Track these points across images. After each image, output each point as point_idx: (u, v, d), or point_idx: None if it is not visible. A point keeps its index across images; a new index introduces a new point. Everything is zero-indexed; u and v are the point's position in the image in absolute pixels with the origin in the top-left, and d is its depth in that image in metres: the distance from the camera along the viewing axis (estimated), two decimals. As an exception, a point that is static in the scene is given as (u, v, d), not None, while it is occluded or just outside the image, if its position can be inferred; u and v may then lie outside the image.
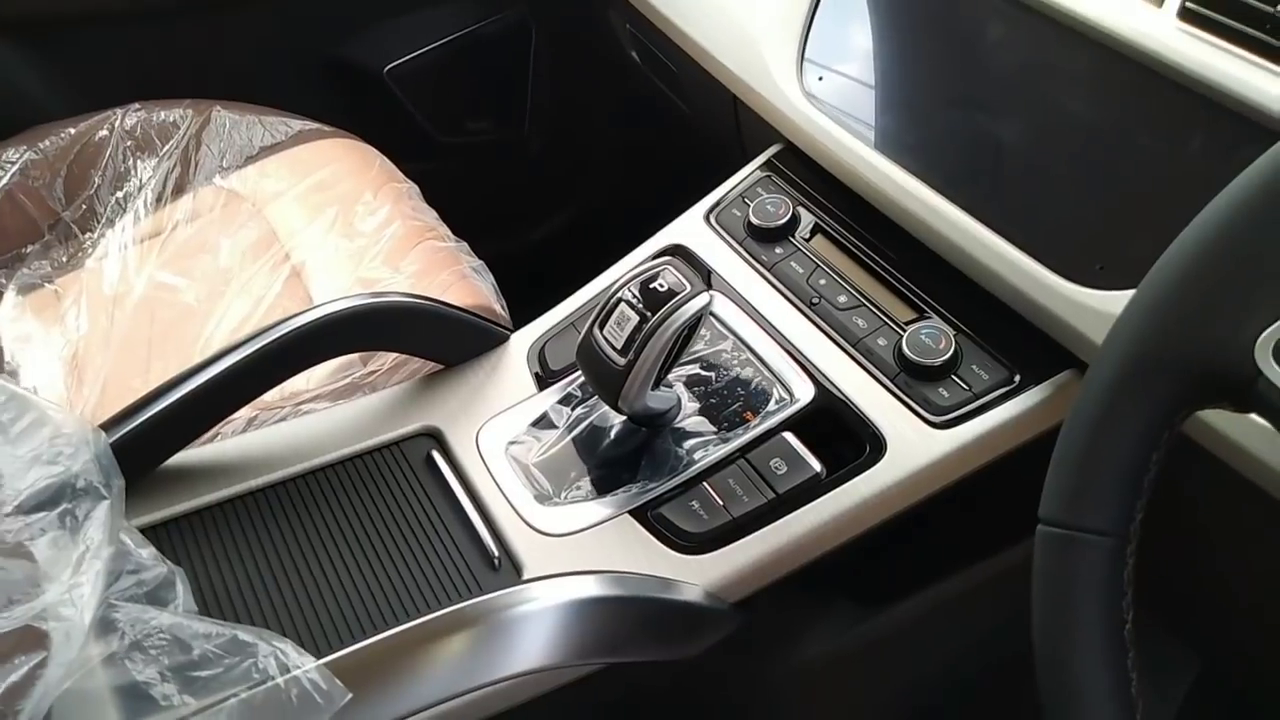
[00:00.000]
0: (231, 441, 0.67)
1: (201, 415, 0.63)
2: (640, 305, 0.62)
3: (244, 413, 0.74)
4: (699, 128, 1.06)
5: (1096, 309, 0.60)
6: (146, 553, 0.51)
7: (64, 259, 1.02)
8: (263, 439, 0.67)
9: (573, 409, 0.71)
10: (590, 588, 0.57)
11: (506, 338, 0.76)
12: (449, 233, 1.04)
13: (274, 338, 0.65)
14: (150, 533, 0.60)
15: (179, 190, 1.06)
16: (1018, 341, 0.66)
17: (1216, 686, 0.92)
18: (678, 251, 0.79)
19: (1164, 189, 0.62)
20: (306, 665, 0.46)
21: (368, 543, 0.62)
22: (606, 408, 0.70)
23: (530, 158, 1.52)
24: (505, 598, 0.56)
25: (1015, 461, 0.66)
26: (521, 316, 0.95)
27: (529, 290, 1.07)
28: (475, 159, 1.49)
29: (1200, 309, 0.40)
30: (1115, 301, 0.60)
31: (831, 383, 0.68)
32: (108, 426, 0.58)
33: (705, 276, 0.76)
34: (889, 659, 0.81)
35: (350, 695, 0.46)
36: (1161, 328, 0.40)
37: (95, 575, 0.45)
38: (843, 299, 0.72)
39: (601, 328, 0.63)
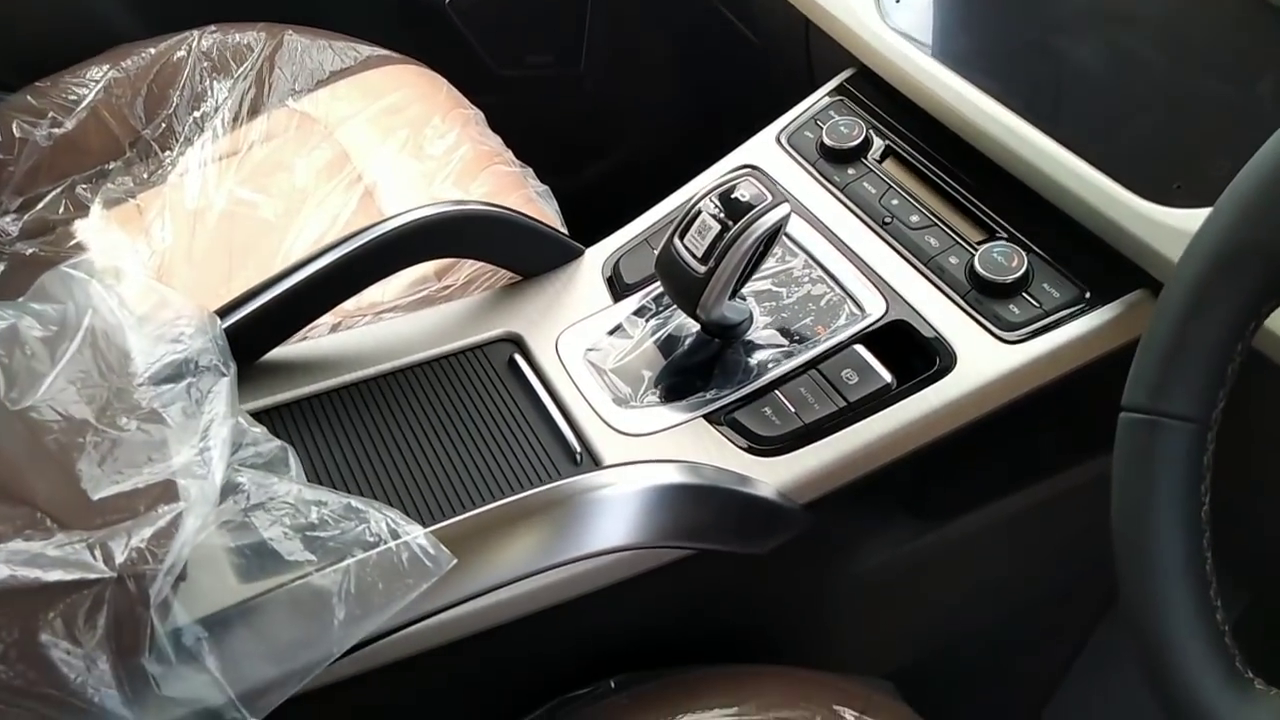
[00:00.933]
0: (324, 339, 0.71)
1: (299, 311, 0.66)
2: (721, 215, 0.64)
3: (326, 318, 0.78)
4: (766, 56, 1.06)
5: (1175, 227, 0.61)
6: (259, 430, 0.54)
7: (145, 175, 1.05)
8: (352, 339, 0.71)
9: (647, 320, 0.73)
10: (669, 474, 0.60)
11: (582, 252, 0.78)
12: (514, 158, 1.06)
13: (365, 240, 0.67)
14: (255, 418, 0.63)
15: (254, 111, 1.08)
16: (1089, 261, 0.67)
17: (1264, 619, 0.94)
18: (750, 171, 0.81)
19: (1242, 108, 0.63)
20: (415, 532, 0.49)
21: (455, 433, 0.65)
22: (681, 319, 0.72)
23: (588, 93, 1.52)
24: (592, 478, 0.59)
25: (1079, 382, 0.67)
26: (584, 244, 0.98)
27: (589, 223, 1.10)
28: (533, 92, 1.50)
29: None
30: (1193, 220, 0.60)
31: (903, 298, 0.70)
32: (222, 314, 0.62)
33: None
34: (944, 574, 0.84)
35: (455, 560, 0.49)
36: (1252, 218, 0.41)
37: (221, 442, 0.49)
38: (915, 219, 0.74)
39: (682, 237, 0.65)
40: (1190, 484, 0.42)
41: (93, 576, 0.41)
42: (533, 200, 0.99)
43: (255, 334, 0.64)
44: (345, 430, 0.64)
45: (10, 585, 0.40)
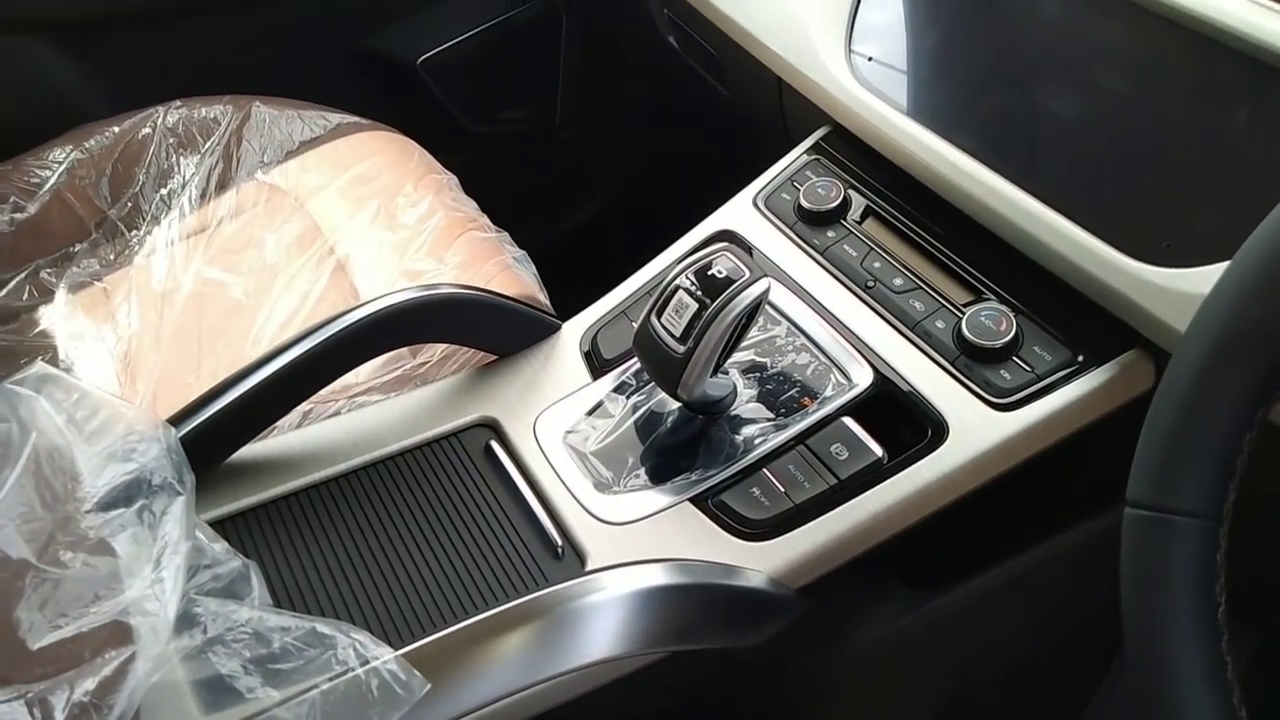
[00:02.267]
0: (292, 435, 0.68)
1: (263, 410, 0.64)
2: (698, 292, 0.61)
3: (299, 407, 0.75)
4: (740, 113, 1.05)
5: (1165, 287, 0.59)
6: (220, 547, 0.51)
7: (112, 256, 1.02)
8: (322, 432, 0.68)
9: (628, 397, 0.71)
10: (656, 576, 0.57)
11: (558, 327, 0.76)
12: (490, 223, 1.04)
13: (331, 333, 0.65)
14: (218, 527, 0.60)
15: (222, 186, 1.06)
16: (1079, 322, 0.65)
17: (1274, 661, 0.91)
18: (727, 237, 0.79)
19: (1231, 165, 0.61)
20: (385, 656, 0.46)
21: (431, 533, 0.62)
22: (662, 396, 0.69)
23: (563, 147, 1.51)
24: (574, 588, 0.56)
25: (1075, 442, 0.65)
26: (563, 306, 0.96)
27: (567, 280, 1.08)
28: (509, 149, 1.49)
29: None
30: (1184, 279, 0.59)
31: (890, 366, 0.67)
32: (175, 421, 0.59)
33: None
34: (944, 642, 0.81)
35: (429, 686, 0.46)
36: (1256, 302, 0.39)
37: (175, 570, 0.46)
38: (898, 281, 0.72)
39: (659, 315, 0.63)
40: (1203, 587, 0.40)
41: (32, 736, 0.38)
42: (509, 267, 0.97)
43: (216, 439, 0.61)
44: (315, 535, 0.61)
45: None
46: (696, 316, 0.61)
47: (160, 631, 0.43)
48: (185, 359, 0.89)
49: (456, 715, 0.49)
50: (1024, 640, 0.89)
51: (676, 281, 0.63)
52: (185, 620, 0.45)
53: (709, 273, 0.62)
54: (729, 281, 0.61)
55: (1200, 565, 0.40)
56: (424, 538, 0.61)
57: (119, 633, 0.41)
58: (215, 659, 0.44)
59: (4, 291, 0.99)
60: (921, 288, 0.71)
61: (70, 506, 0.46)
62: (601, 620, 0.55)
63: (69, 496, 0.47)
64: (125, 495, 0.49)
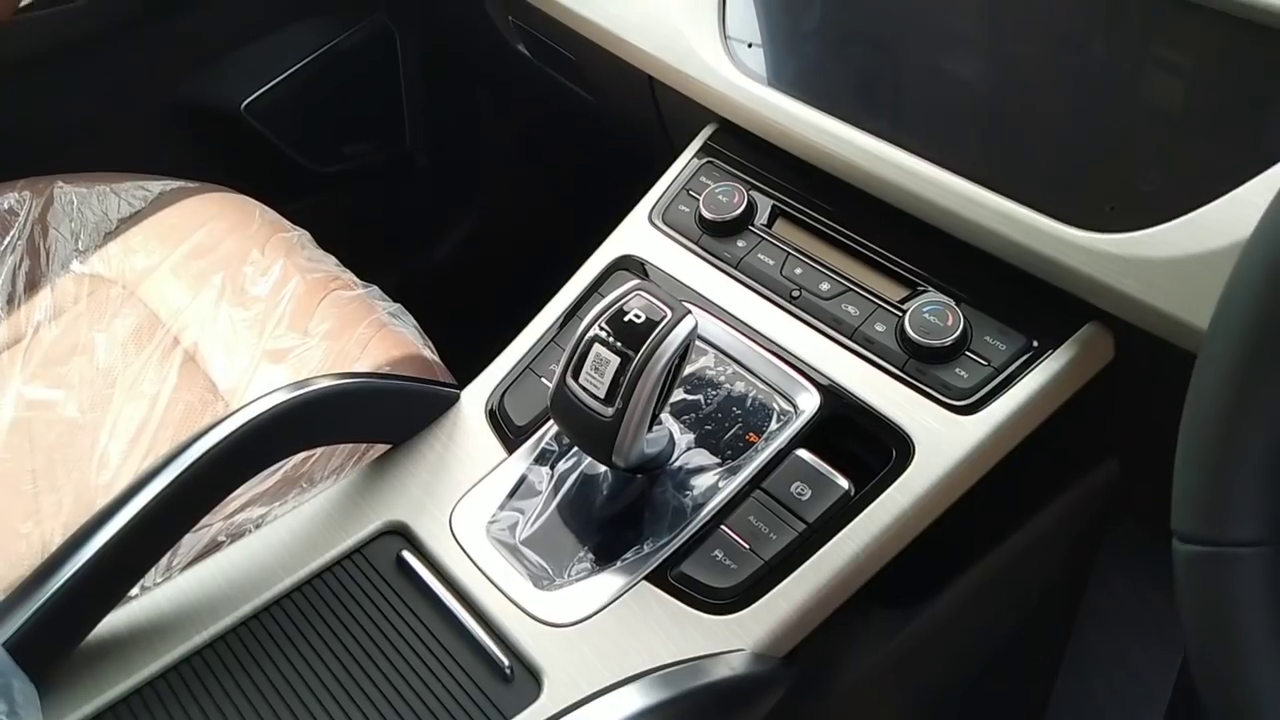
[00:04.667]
0: (162, 591, 0.56)
1: (117, 576, 0.52)
2: (617, 344, 0.53)
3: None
4: (610, 119, 0.97)
5: (1116, 254, 0.54)
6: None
7: (-91, 391, 0.87)
8: (199, 579, 0.57)
9: (551, 467, 0.62)
10: (632, 700, 0.49)
11: (457, 398, 0.66)
12: (355, 278, 0.93)
13: (190, 461, 0.54)
14: (84, 733, 0.49)
15: (32, 286, 0.92)
16: (1027, 303, 0.60)
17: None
18: (627, 263, 0.70)
19: (1164, 113, 0.56)
20: None
21: (353, 683, 0.52)
22: (590, 459, 0.61)
23: (419, 173, 1.40)
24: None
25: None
26: (453, 359, 0.86)
27: (451, 322, 0.98)
28: (360, 185, 1.37)
29: None
30: (1136, 244, 0.54)
31: (835, 383, 0.61)
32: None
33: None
34: (930, 653, 0.76)
35: None
36: None
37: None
38: (825, 286, 0.65)
39: (576, 376, 0.54)
40: (1275, 617, 0.34)
41: None
42: (385, 326, 0.86)
43: (62, 625, 0.49)
44: (207, 716, 0.50)
45: None
46: (620, 372, 0.53)
47: None
48: (19, 503, 0.75)
49: None
50: (1003, 624, 0.85)
51: (589, 334, 0.54)
52: None
53: (625, 319, 0.54)
54: (650, 325, 0.53)
55: (1267, 595, 0.34)
56: (344, 691, 0.51)
57: None
58: None
59: None
60: (851, 289, 0.64)
61: None
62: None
63: None
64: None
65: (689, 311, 0.54)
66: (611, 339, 0.53)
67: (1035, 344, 0.59)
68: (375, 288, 0.92)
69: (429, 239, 1.44)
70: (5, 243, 0.92)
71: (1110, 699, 1.04)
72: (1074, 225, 0.56)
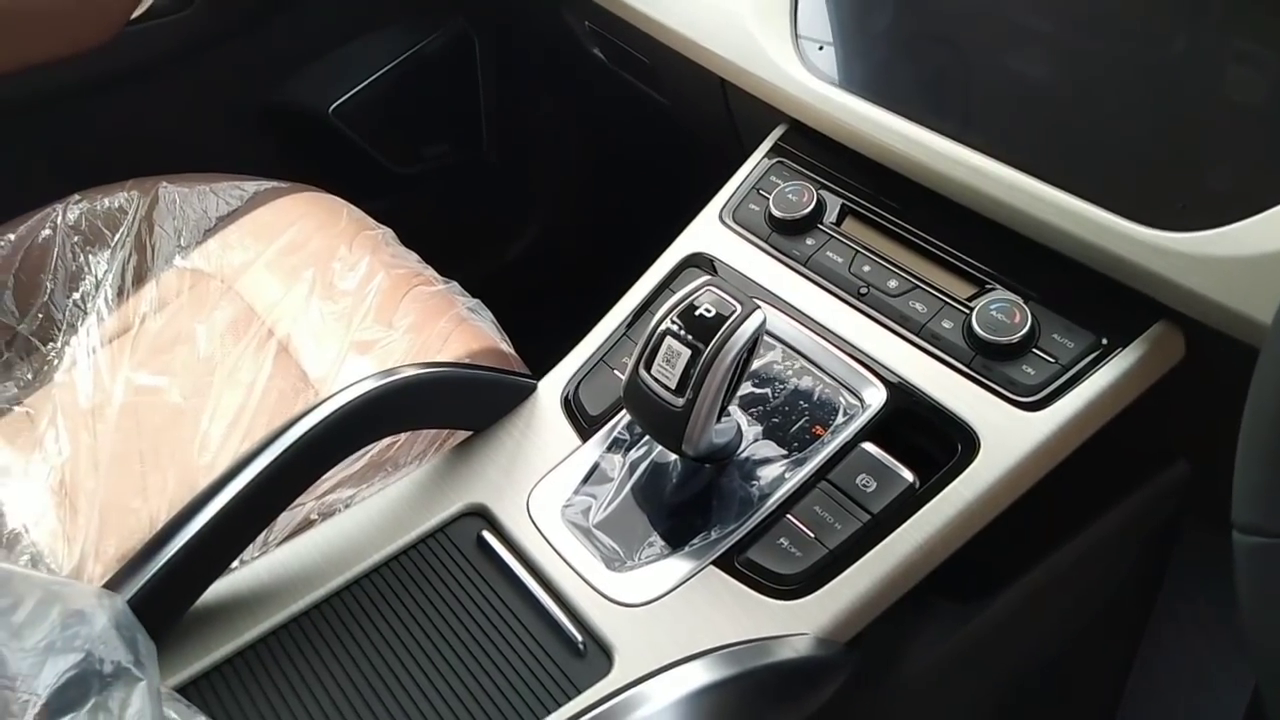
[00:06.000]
0: (259, 564, 0.60)
1: (224, 546, 0.56)
2: (689, 336, 0.55)
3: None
4: (683, 120, 0.99)
5: (1188, 253, 0.55)
6: (198, 724, 0.44)
7: (29, 376, 0.94)
8: (295, 553, 0.61)
9: (624, 455, 0.64)
10: (698, 675, 0.51)
11: (534, 388, 0.69)
12: (436, 274, 0.97)
13: (287, 445, 0.58)
14: (194, 689, 0.53)
15: (139, 280, 0.98)
16: (1096, 301, 0.60)
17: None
18: (698, 260, 0.73)
19: (1237, 110, 0.56)
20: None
21: (435, 651, 0.55)
22: (661, 448, 0.63)
23: (495, 173, 1.44)
24: (611, 711, 0.50)
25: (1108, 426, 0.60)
26: (529, 352, 0.89)
27: (528, 317, 1.01)
28: (438, 185, 1.42)
29: None
30: (1208, 242, 0.54)
31: (902, 379, 0.62)
32: (118, 585, 0.51)
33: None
34: (995, 650, 0.76)
35: None
36: None
37: (148, 780, 0.39)
38: (893, 284, 0.66)
39: (648, 367, 0.57)
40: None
41: None
42: (465, 320, 0.90)
43: (174, 591, 0.54)
44: (304, 677, 0.54)
45: None
46: (691, 364, 0.55)
47: None
48: (129, 480, 0.81)
49: None
50: (1070, 624, 0.85)
51: (661, 327, 0.56)
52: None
53: (696, 313, 0.56)
54: (720, 320, 0.55)
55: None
56: (427, 659, 0.54)
57: None
58: None
59: (-87, 434, 0.90)
60: (919, 287, 0.65)
61: (8, 725, 0.39)
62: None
63: (3, 712, 0.39)
64: (77, 693, 0.42)
65: (758, 307, 0.56)
66: (683, 332, 0.55)
67: (1104, 342, 0.59)
68: (455, 283, 0.96)
69: (505, 237, 1.48)
70: (115, 239, 0.98)
71: (1181, 705, 1.02)
72: (1145, 224, 0.56)
